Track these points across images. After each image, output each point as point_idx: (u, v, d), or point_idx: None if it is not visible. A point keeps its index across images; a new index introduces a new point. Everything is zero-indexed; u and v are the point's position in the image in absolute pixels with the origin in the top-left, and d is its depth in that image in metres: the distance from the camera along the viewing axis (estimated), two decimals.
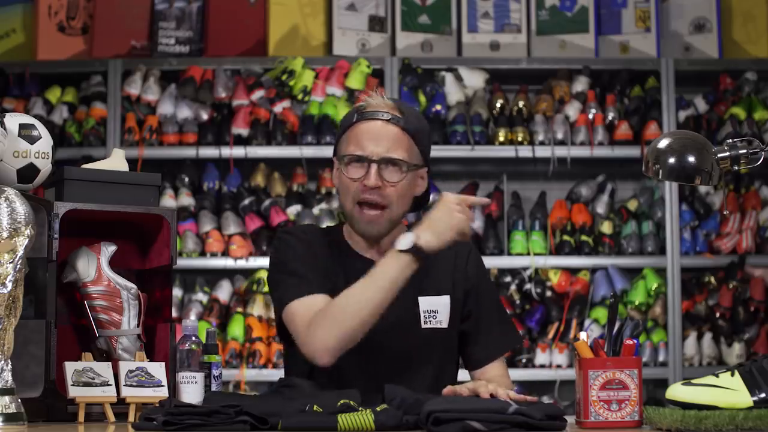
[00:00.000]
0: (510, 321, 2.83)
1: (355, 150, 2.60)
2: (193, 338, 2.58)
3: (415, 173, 2.65)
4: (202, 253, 5.14)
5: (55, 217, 2.50)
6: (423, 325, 2.66)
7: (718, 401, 2.17)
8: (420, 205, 2.76)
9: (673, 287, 5.15)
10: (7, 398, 2.23)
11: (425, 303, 2.66)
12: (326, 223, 5.07)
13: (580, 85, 5.33)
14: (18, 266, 2.23)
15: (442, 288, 2.69)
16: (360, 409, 2.12)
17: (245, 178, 5.27)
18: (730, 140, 2.40)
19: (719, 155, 2.39)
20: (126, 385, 2.47)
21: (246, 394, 2.70)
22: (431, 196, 5.41)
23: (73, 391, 2.42)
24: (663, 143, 2.43)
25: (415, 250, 2.46)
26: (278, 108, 5.21)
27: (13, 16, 5.51)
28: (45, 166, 2.53)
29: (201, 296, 5.19)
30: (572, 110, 5.28)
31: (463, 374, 5.22)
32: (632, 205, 5.31)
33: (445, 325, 2.67)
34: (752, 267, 5.21)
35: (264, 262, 4.99)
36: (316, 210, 5.18)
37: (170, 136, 5.17)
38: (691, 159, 2.40)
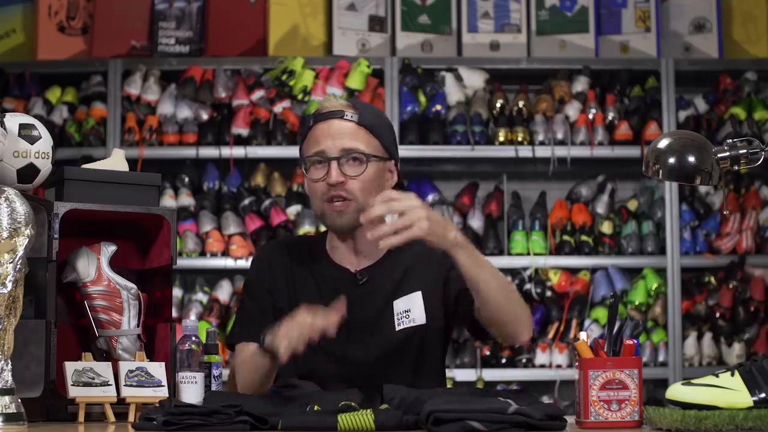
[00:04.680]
0: None
1: (314, 150, 2.66)
2: (193, 338, 2.58)
3: (381, 166, 2.68)
4: (202, 253, 5.15)
5: (55, 217, 2.50)
6: (397, 327, 2.68)
7: (718, 401, 2.17)
8: None
9: (673, 287, 5.15)
10: (7, 398, 2.23)
11: (398, 305, 2.69)
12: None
13: (580, 85, 5.33)
14: (18, 266, 2.23)
15: (415, 286, 2.70)
16: (360, 409, 2.12)
17: (245, 178, 5.27)
18: (730, 140, 2.40)
19: (719, 155, 2.39)
20: (126, 385, 2.47)
21: (246, 394, 2.69)
22: (431, 196, 5.43)
23: (73, 391, 2.42)
24: (663, 143, 2.43)
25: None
26: (278, 108, 5.21)
27: (13, 16, 5.51)
28: (45, 166, 2.53)
29: (201, 296, 5.19)
30: (572, 110, 5.28)
31: (463, 374, 5.21)
32: (632, 205, 5.31)
33: (421, 321, 2.68)
34: (752, 267, 5.21)
35: None
36: None
37: (170, 136, 5.17)
38: (691, 159, 2.40)
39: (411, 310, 2.68)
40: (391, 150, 2.72)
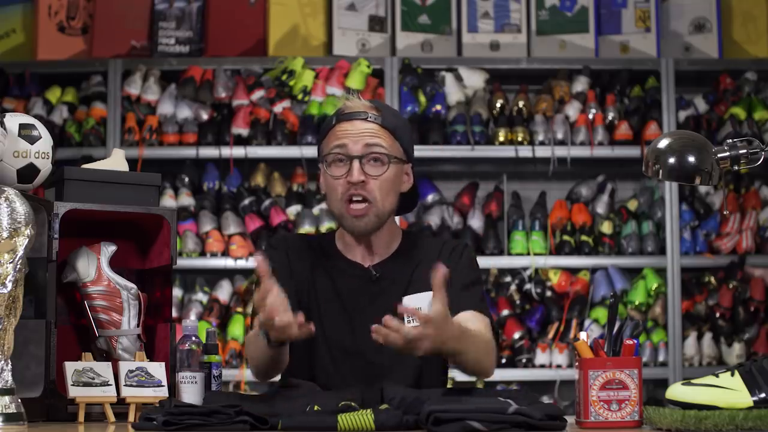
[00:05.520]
0: (482, 302, 2.75)
1: (337, 149, 2.67)
2: (193, 338, 2.58)
3: (400, 168, 2.71)
4: (202, 253, 5.14)
5: (55, 217, 2.50)
6: (406, 324, 2.68)
7: (718, 401, 2.17)
8: (409, 204, 2.81)
9: (673, 287, 5.15)
10: (7, 398, 2.23)
11: (409, 302, 2.68)
12: (326, 224, 5.08)
13: (580, 85, 5.33)
14: (18, 266, 2.23)
15: (425, 284, 2.70)
16: (360, 409, 2.12)
17: (245, 178, 5.27)
18: (730, 140, 2.40)
19: (719, 155, 2.39)
20: (126, 385, 2.47)
21: (246, 394, 2.70)
22: (431, 196, 5.43)
23: (73, 391, 2.42)
24: (663, 143, 2.44)
25: (269, 341, 2.45)
26: (278, 108, 5.21)
27: (13, 16, 5.51)
28: (45, 166, 2.53)
29: (201, 296, 5.19)
30: (572, 110, 5.27)
31: (462, 374, 5.21)
32: (632, 205, 5.31)
33: None
34: (752, 267, 5.21)
35: None
36: (316, 210, 5.18)
37: (170, 136, 5.17)
38: (691, 159, 2.40)
39: (422, 309, 2.69)
40: (410, 152, 2.75)
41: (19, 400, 2.27)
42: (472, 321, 2.61)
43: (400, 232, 2.78)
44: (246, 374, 4.99)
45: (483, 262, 5.14)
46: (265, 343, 2.44)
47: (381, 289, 2.70)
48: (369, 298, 2.70)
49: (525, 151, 5.21)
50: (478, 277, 2.77)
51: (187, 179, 5.23)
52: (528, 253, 5.20)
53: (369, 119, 2.68)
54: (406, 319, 2.68)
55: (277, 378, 2.81)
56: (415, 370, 2.69)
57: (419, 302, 2.69)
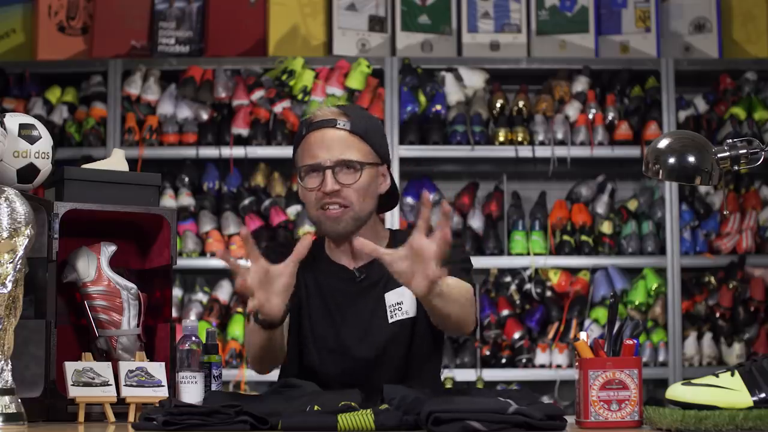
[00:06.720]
0: (464, 273, 2.73)
1: (309, 160, 2.69)
2: (193, 338, 2.58)
3: (375, 171, 2.72)
4: (202, 253, 5.15)
5: (55, 217, 2.50)
6: (390, 320, 2.72)
7: (718, 401, 2.17)
8: (388, 204, 2.83)
9: (673, 287, 5.15)
10: (7, 398, 2.23)
11: (390, 298, 2.73)
12: None
13: (580, 85, 5.33)
14: (18, 266, 2.23)
15: None
16: (360, 409, 2.12)
17: (245, 178, 5.27)
18: (730, 140, 2.41)
19: (719, 155, 2.39)
20: (126, 385, 2.47)
21: (246, 394, 2.70)
22: (431, 197, 5.43)
23: (73, 391, 2.42)
24: (663, 143, 2.44)
25: (256, 319, 2.46)
26: (278, 108, 5.21)
27: (13, 16, 5.51)
28: (45, 166, 2.53)
29: (201, 296, 5.19)
30: (572, 110, 5.27)
31: (463, 374, 5.21)
32: (632, 205, 5.31)
33: (412, 313, 2.72)
34: (752, 267, 5.21)
35: None
36: None
37: (170, 136, 5.17)
38: (691, 159, 2.40)
39: (403, 302, 2.71)
40: (383, 154, 2.75)
41: (19, 400, 2.27)
42: (455, 282, 2.59)
43: (387, 233, 2.80)
44: (246, 374, 4.99)
45: (483, 262, 5.15)
46: (259, 327, 2.46)
47: (363, 289, 2.73)
48: (352, 297, 2.73)
49: (525, 151, 5.21)
50: (465, 258, 2.77)
51: (187, 179, 5.24)
52: (528, 253, 5.20)
53: (338, 126, 2.69)
54: (389, 313, 2.72)
55: (276, 372, 2.82)
56: (400, 366, 2.72)
57: (399, 297, 2.72)
